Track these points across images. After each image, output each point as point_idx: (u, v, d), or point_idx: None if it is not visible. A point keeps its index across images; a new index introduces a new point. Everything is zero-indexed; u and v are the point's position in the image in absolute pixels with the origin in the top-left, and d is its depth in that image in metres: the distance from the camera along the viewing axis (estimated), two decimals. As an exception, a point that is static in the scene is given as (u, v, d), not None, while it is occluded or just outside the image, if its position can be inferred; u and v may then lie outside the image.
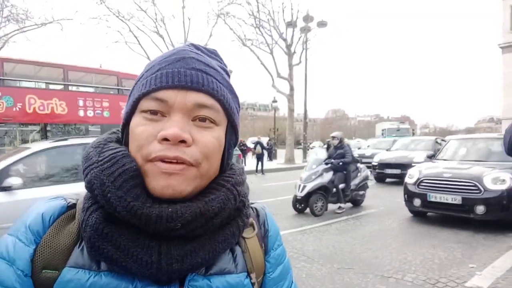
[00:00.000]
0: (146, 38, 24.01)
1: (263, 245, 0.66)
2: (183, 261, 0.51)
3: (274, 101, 28.91)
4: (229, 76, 0.61)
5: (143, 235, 0.50)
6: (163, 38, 20.45)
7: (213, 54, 0.62)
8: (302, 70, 22.69)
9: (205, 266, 0.54)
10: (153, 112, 0.52)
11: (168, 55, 0.56)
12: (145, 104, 0.53)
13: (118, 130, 0.62)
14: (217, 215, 0.53)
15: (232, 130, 0.59)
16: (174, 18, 24.64)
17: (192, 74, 0.53)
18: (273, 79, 21.71)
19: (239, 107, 0.62)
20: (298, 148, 37.20)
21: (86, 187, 0.52)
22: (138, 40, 20.24)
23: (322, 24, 22.02)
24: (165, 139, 0.49)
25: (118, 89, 11.47)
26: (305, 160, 21.77)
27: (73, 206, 0.58)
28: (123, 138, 0.59)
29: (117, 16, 19.30)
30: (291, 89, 21.49)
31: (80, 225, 0.53)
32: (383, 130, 34.50)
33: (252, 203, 0.68)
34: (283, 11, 22.28)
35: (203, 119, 0.53)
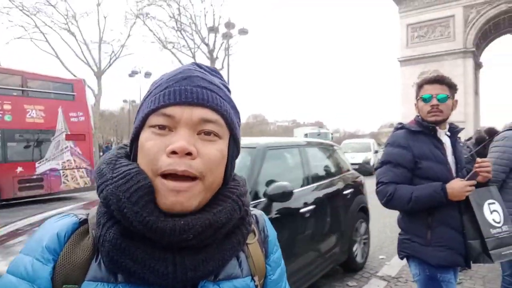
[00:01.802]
0: (55, 35, 21.95)
1: (263, 249, 0.70)
2: (196, 270, 0.54)
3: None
4: (230, 92, 0.65)
5: (157, 248, 0.53)
6: (74, 36, 19.02)
7: (214, 72, 0.65)
8: (224, 75, 22.91)
9: (215, 273, 0.58)
10: (161, 127, 0.56)
11: (174, 73, 0.60)
12: (154, 119, 0.56)
13: (125, 145, 0.64)
14: (224, 225, 0.57)
15: (234, 143, 0.63)
16: (88, 16, 22.93)
17: (197, 91, 0.57)
18: (195, 84, 21.60)
19: (239, 121, 0.66)
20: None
21: (102, 202, 0.55)
22: (45, 37, 18.44)
23: (243, 31, 22.45)
24: (173, 152, 0.53)
25: (22, 90, 10.32)
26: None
27: (85, 221, 0.60)
28: (131, 152, 0.61)
29: (21, 10, 17.36)
30: (214, 94, 21.59)
31: (97, 240, 0.55)
32: (305, 134, 36.35)
33: (251, 210, 0.72)
34: (205, 16, 22.35)
35: (207, 133, 0.57)
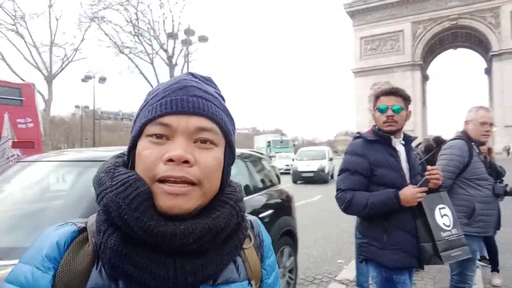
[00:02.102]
0: (1, 36, 20.62)
1: (259, 254, 0.72)
2: (196, 274, 0.55)
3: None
4: (224, 101, 0.66)
5: (158, 253, 0.54)
6: (23, 38, 17.90)
7: (209, 81, 0.67)
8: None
9: (214, 277, 0.59)
10: (158, 136, 0.57)
11: (170, 84, 0.61)
12: (151, 128, 0.57)
13: (123, 154, 0.65)
14: (223, 230, 0.58)
15: (229, 150, 0.64)
16: (38, 17, 21.74)
17: (193, 100, 0.58)
18: (153, 90, 21.10)
19: (234, 128, 0.67)
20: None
21: (102, 210, 0.56)
22: (-11, 38, 17.22)
23: (203, 38, 22.38)
24: (170, 160, 0.54)
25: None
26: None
27: (84, 229, 0.60)
28: (129, 160, 0.62)
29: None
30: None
31: (98, 247, 0.56)
32: (268, 142, 36.68)
33: (246, 216, 0.73)
34: (164, 22, 21.87)
35: (204, 141, 0.58)
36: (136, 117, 0.62)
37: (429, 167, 1.96)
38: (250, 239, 0.71)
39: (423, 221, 1.96)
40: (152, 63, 21.07)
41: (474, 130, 2.80)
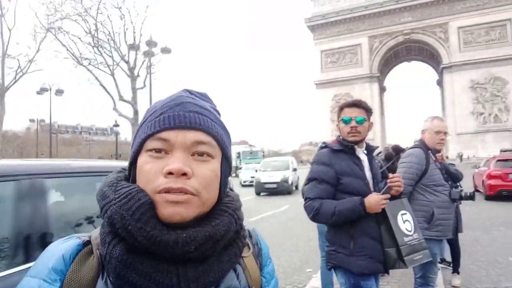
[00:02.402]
0: None
1: (258, 262, 0.74)
2: (198, 281, 0.58)
3: (116, 125, 27.23)
4: (220, 115, 0.70)
5: (161, 262, 0.56)
6: (-29, 48, 16.80)
7: (204, 97, 0.70)
8: (147, 94, 22.14)
9: (215, 284, 0.61)
10: (158, 151, 0.60)
11: (168, 101, 0.65)
12: (151, 144, 0.60)
13: (123, 169, 0.68)
14: (223, 237, 0.61)
15: (226, 161, 0.67)
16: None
17: (190, 116, 0.62)
18: (114, 102, 20.46)
19: (230, 141, 0.70)
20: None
21: (107, 222, 0.58)
22: None
23: (166, 50, 22.13)
24: (170, 173, 0.57)
25: None
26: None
27: (88, 243, 0.62)
28: (130, 174, 0.65)
29: None
30: (135, 113, 20.65)
31: (102, 258, 0.58)
32: (238, 153, 36.52)
33: (244, 225, 0.75)
34: (124, 33, 21.28)
35: (201, 154, 0.61)
36: (136, 133, 0.65)
37: (390, 174, 2.05)
38: (249, 248, 0.73)
39: (386, 227, 2.04)
40: (112, 74, 20.48)
41: (430, 138, 2.96)
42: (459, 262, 4.29)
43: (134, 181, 0.63)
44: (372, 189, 2.10)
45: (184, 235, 0.56)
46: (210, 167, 0.61)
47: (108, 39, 20.33)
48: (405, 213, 2.11)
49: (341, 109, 2.18)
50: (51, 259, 0.59)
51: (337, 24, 50.29)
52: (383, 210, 2.01)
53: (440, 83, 50.88)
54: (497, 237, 6.67)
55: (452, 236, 3.06)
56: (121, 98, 20.44)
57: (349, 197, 2.02)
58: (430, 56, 50.28)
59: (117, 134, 30.01)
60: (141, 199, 0.57)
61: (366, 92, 46.43)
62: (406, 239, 2.02)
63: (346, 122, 2.10)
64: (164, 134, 0.60)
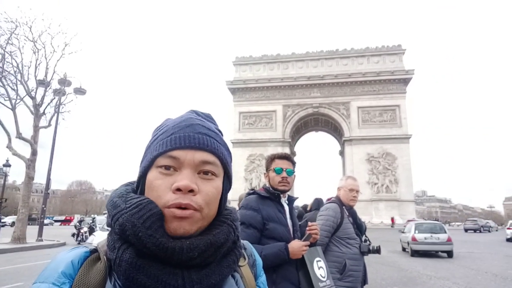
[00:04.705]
0: None
1: (253, 271, 0.82)
2: (201, 283, 0.63)
3: (7, 164, 24.00)
4: (222, 135, 0.77)
5: (167, 266, 0.62)
6: None
7: (209, 118, 0.78)
8: (51, 133, 20.21)
9: (217, 287, 0.67)
10: (167, 167, 0.66)
11: (178, 121, 0.72)
12: (162, 160, 0.67)
13: (130, 183, 0.74)
14: (223, 245, 0.67)
15: (227, 179, 0.74)
16: None
17: (199, 137, 0.69)
18: (10, 139, 18.20)
19: (231, 160, 0.77)
20: (32, 224, 31.31)
21: (118, 229, 0.63)
22: None
23: (79, 91, 21.02)
24: (178, 189, 0.63)
25: None
26: (40, 238, 18.41)
27: (95, 250, 0.67)
28: (139, 187, 0.71)
29: None
30: (34, 153, 18.55)
31: (113, 262, 0.63)
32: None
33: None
34: (36, 67, 19.58)
35: (206, 173, 0.68)
36: (147, 149, 0.72)
37: (309, 223, 2.24)
38: (244, 258, 0.80)
39: (304, 272, 2.18)
40: (13, 109, 18.47)
41: (345, 195, 3.30)
42: None
43: (142, 193, 0.69)
44: (292, 235, 2.25)
45: (188, 242, 0.62)
46: (214, 185, 0.68)
47: (15, 72, 18.58)
48: (320, 260, 2.28)
49: (272, 160, 2.37)
50: (60, 265, 0.62)
51: (256, 90, 53.89)
52: (302, 256, 2.15)
53: (342, 153, 56.47)
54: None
55: (360, 287, 3.29)
56: (19, 136, 18.30)
57: (273, 242, 2.14)
58: (334, 129, 56.09)
59: (6, 175, 26.22)
60: (152, 209, 0.62)
61: (278, 155, 49.02)
62: (321, 284, 2.17)
63: (278, 172, 2.28)
64: (175, 153, 0.67)
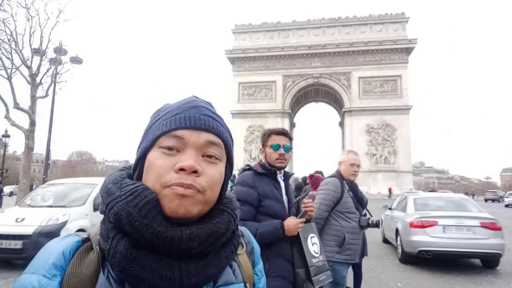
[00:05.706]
0: None
1: (250, 259, 0.80)
2: (199, 275, 0.61)
3: (6, 135, 23.96)
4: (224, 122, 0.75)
5: (164, 257, 0.59)
6: None
7: (210, 105, 0.75)
8: (48, 104, 20.01)
9: (214, 278, 0.65)
10: (170, 148, 0.63)
11: (183, 103, 0.69)
12: (165, 140, 0.64)
13: (125, 167, 0.71)
14: (223, 235, 0.65)
15: (229, 165, 0.72)
16: None
17: (204, 118, 0.67)
18: (7, 109, 18.06)
19: (233, 146, 0.75)
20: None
21: (113, 218, 0.60)
22: None
23: (76, 60, 20.59)
24: (182, 169, 0.60)
25: None
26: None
27: (87, 240, 0.64)
28: (136, 169, 0.68)
29: None
30: (32, 124, 18.47)
31: (106, 252, 0.60)
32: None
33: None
34: (30, 35, 19.15)
35: (210, 156, 0.65)
36: (147, 130, 0.69)
37: (305, 200, 2.24)
38: (242, 246, 0.78)
39: (298, 248, 2.20)
40: (9, 79, 18.20)
41: (346, 170, 3.30)
42: (360, 286, 4.68)
43: (139, 177, 0.66)
44: (287, 212, 2.26)
45: (188, 231, 0.60)
46: (217, 169, 0.66)
47: (9, 40, 18.17)
48: (314, 236, 2.30)
49: (268, 135, 2.33)
50: (50, 255, 0.60)
51: (255, 60, 52.89)
52: (297, 233, 2.17)
53: (341, 124, 56.31)
54: (387, 265, 7.48)
55: (358, 260, 3.35)
56: (17, 106, 18.16)
57: (269, 219, 2.15)
58: (335, 100, 55.61)
59: (5, 145, 26.27)
60: (147, 196, 0.59)
61: (278, 126, 48.80)
62: (314, 260, 2.20)
63: (275, 148, 2.25)
64: (179, 132, 0.64)
